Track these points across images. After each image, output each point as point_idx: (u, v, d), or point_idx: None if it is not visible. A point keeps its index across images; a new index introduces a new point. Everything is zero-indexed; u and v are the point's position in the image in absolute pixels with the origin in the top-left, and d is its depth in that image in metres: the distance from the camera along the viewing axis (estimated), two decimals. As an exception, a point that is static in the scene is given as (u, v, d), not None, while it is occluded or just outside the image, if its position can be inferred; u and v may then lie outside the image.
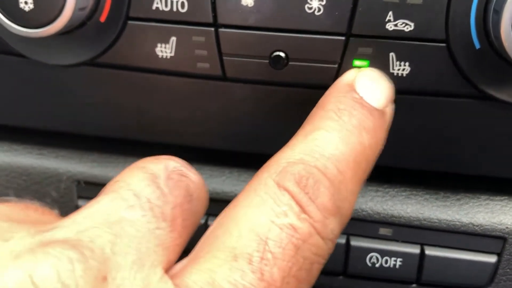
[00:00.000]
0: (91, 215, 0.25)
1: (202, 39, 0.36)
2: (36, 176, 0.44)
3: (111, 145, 0.44)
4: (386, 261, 0.39)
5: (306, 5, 0.33)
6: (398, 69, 0.34)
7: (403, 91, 0.35)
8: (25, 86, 0.41)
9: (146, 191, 0.26)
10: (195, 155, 0.42)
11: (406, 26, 0.33)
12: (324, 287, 0.42)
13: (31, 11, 0.33)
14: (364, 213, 0.39)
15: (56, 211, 0.33)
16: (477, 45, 0.32)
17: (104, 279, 0.23)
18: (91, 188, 0.43)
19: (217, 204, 0.35)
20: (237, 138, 0.40)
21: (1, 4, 0.33)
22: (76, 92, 0.41)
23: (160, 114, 0.40)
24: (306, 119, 0.32)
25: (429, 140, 0.37)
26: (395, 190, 0.41)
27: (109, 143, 0.44)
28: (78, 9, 0.34)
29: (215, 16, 0.35)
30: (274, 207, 0.26)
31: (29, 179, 0.44)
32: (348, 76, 0.33)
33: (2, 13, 0.34)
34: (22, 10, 0.33)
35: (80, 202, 0.44)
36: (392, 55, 0.34)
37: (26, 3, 0.33)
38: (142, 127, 0.41)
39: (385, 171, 0.40)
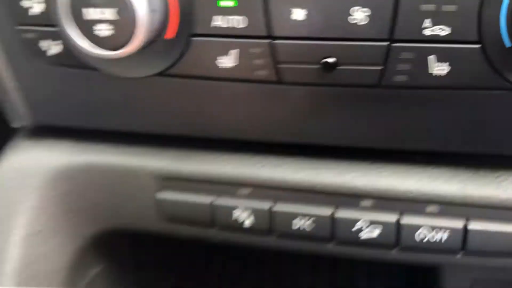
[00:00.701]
0: None
1: (258, 50, 0.40)
2: (117, 174, 0.50)
3: (184, 143, 0.50)
4: (433, 236, 0.44)
5: (349, 17, 0.38)
6: (437, 69, 0.38)
7: (444, 87, 0.39)
8: (102, 95, 0.47)
9: None
10: (257, 147, 0.47)
11: (442, 31, 0.37)
12: (379, 260, 0.47)
13: (108, 36, 0.38)
14: (412, 194, 0.44)
15: None
16: (508, 44, 0.36)
17: None
18: (169, 182, 0.49)
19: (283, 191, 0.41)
20: (292, 131, 0.45)
21: (79, 29, 0.39)
22: (149, 98, 0.46)
23: (223, 114, 0.45)
24: None
25: (470, 126, 0.41)
26: (440, 170, 0.45)
27: (181, 141, 0.50)
28: (149, 31, 0.39)
29: (270, 30, 0.39)
30: None
31: (109, 176, 0.51)
32: None
33: (80, 38, 0.39)
34: (97, 37, 0.38)
35: (158, 195, 0.50)
36: (431, 57, 0.38)
37: (101, 30, 0.37)
38: (207, 125, 0.47)
39: (431, 154, 0.45)
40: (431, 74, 0.38)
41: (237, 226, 0.48)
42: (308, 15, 0.38)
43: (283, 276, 0.60)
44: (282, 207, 0.46)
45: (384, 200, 0.44)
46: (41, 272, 0.51)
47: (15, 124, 0.52)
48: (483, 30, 0.36)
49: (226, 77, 0.42)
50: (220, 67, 0.42)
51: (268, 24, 0.39)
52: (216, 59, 0.42)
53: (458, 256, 0.45)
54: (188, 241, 0.53)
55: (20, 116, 0.51)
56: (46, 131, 0.52)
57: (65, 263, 0.52)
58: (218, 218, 0.48)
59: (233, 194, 0.48)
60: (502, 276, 0.51)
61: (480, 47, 0.37)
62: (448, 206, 0.43)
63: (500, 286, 0.52)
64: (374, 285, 0.66)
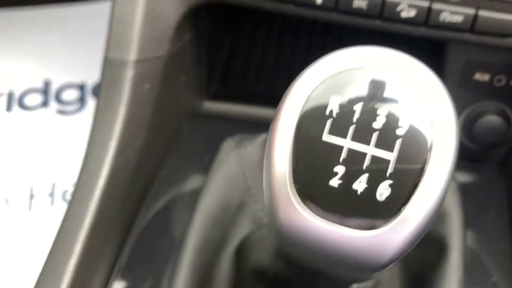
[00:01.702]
0: None
1: None
2: None
3: None
4: (452, 18, 0.63)
5: None
6: None
7: None
8: None
9: None
10: None
11: None
12: (412, 34, 0.66)
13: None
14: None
15: None
16: None
17: None
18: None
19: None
20: None
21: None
22: None
23: None
24: None
25: None
26: None
27: None
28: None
29: None
30: None
31: None
32: None
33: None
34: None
35: None
36: None
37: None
38: None
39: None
40: None
41: (310, 3, 0.65)
42: None
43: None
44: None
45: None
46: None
47: None
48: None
49: None
50: None
51: None
52: None
53: (466, 34, 0.64)
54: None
55: None
56: None
57: (174, 22, 0.70)
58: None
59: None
60: (490, 59, 0.70)
61: None
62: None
63: (479, 67, 0.72)
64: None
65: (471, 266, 0.65)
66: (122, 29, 0.66)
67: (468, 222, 0.66)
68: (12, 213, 1.28)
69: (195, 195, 0.68)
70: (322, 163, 0.29)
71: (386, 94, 0.29)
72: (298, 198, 0.30)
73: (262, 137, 0.67)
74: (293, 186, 0.29)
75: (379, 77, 0.30)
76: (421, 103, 0.29)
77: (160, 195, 0.71)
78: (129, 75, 0.65)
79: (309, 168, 0.30)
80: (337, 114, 0.30)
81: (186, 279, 0.61)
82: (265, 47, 0.93)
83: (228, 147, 0.68)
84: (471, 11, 0.62)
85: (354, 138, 0.29)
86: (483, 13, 0.62)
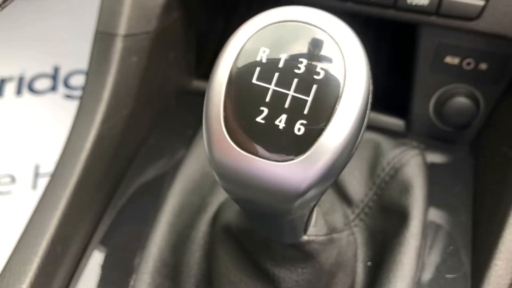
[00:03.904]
0: None
1: None
2: None
3: None
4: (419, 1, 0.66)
5: None
6: None
7: None
8: None
9: None
10: None
11: None
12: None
13: None
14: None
15: None
16: None
17: None
18: None
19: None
20: None
21: None
22: None
23: None
24: None
25: None
26: None
27: None
28: None
29: None
30: None
31: None
32: None
33: None
34: None
35: None
36: None
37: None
38: None
39: None
40: None
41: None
42: None
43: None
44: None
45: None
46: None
47: None
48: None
49: None
50: None
51: None
52: None
53: (433, 17, 0.68)
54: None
55: None
56: None
57: (162, 0, 0.75)
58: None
59: None
60: (459, 43, 0.74)
61: None
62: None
63: (450, 51, 0.75)
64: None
65: (432, 235, 0.69)
66: (112, 4, 0.71)
67: (433, 196, 0.70)
68: (18, 191, 1.34)
69: (178, 165, 0.73)
70: (250, 103, 0.34)
71: (308, 46, 0.34)
72: (228, 133, 0.34)
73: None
74: (224, 121, 0.34)
75: (303, 31, 0.35)
76: (337, 54, 0.34)
77: (145, 164, 0.75)
78: (117, 47, 0.70)
79: (239, 107, 0.34)
80: (265, 61, 0.34)
81: (163, 237, 0.65)
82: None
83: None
84: (437, -6, 0.66)
85: (277, 83, 0.34)
86: (447, -4, 0.66)
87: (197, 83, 0.89)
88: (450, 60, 0.74)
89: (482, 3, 0.65)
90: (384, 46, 0.92)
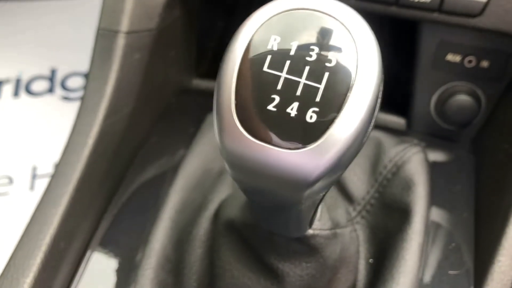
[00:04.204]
0: None
1: None
2: None
3: None
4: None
5: None
6: None
7: None
8: None
9: None
10: None
11: None
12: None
13: None
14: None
15: None
16: None
17: None
18: None
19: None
20: None
21: None
22: None
23: None
24: None
25: None
26: None
27: None
28: None
29: None
30: None
31: None
32: None
33: None
34: None
35: None
36: None
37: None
38: None
39: None
40: None
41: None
42: None
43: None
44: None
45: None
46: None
47: None
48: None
49: None
50: None
51: None
52: None
53: (435, 14, 0.68)
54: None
55: None
56: None
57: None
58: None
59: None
60: (461, 40, 0.75)
61: None
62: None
63: (451, 48, 0.76)
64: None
65: (434, 232, 0.69)
66: (114, 2, 0.71)
67: (435, 194, 0.70)
68: (16, 192, 1.33)
69: (179, 162, 0.73)
70: (262, 91, 0.34)
71: (319, 34, 0.34)
72: (240, 121, 0.34)
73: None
74: (235, 110, 0.34)
75: (315, 18, 0.35)
76: (349, 42, 0.34)
77: (146, 160, 0.75)
78: (119, 44, 0.70)
79: (250, 95, 0.34)
80: (276, 49, 0.34)
81: (166, 233, 0.65)
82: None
83: (212, 118, 0.73)
84: (438, -8, 0.66)
85: (289, 71, 0.34)
86: (450, -7, 0.66)
87: (197, 82, 0.89)
88: (451, 57, 0.75)
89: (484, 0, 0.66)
90: (385, 43, 0.92)
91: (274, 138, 0.34)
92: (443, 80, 0.76)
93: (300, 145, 0.33)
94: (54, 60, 1.72)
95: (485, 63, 0.73)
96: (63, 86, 1.68)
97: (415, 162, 0.69)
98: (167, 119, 0.81)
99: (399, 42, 0.86)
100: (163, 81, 0.81)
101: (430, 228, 0.68)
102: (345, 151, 0.33)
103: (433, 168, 0.73)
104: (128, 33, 0.71)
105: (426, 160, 0.71)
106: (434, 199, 0.70)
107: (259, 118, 0.34)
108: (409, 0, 0.67)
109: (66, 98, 1.64)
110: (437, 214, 0.70)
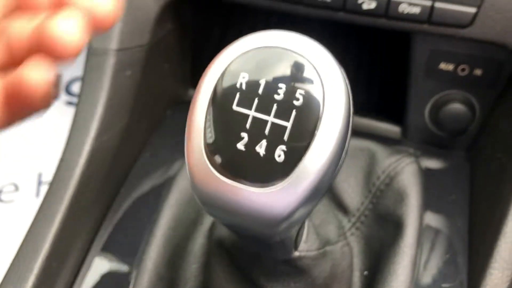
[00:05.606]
0: None
1: None
2: None
3: None
4: (411, 9, 0.66)
5: None
6: None
7: None
8: None
9: None
10: None
11: None
12: (374, 25, 0.69)
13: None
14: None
15: None
16: None
17: None
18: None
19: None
20: None
21: None
22: None
23: None
24: None
25: None
26: None
27: None
28: None
29: None
30: None
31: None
32: None
33: None
34: None
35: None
36: None
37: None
38: None
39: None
40: None
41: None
42: None
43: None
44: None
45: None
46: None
47: None
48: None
49: None
50: None
51: None
52: None
53: (425, 25, 0.68)
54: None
55: None
56: None
57: (155, 13, 0.75)
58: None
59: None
60: (453, 49, 0.74)
61: None
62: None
63: (444, 57, 0.75)
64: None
65: (428, 243, 0.68)
66: (104, 19, 0.71)
67: (429, 204, 0.70)
68: (21, 200, 1.35)
69: (174, 176, 0.73)
70: (231, 129, 0.34)
71: (286, 72, 0.34)
72: (209, 161, 0.34)
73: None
74: (205, 149, 0.34)
75: (282, 56, 0.35)
76: (315, 79, 0.34)
77: (140, 177, 0.76)
78: (110, 62, 0.71)
79: (220, 133, 0.34)
80: (245, 87, 0.34)
81: (159, 252, 0.66)
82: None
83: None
84: (427, 2, 0.66)
85: (257, 109, 0.34)
86: (439, 4, 0.66)
87: (193, 93, 0.89)
88: (444, 66, 0.74)
89: (474, 10, 0.65)
90: (378, 53, 0.92)
91: (244, 177, 0.34)
92: (437, 88, 0.76)
93: (269, 184, 0.33)
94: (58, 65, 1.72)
95: (478, 71, 0.73)
96: (68, 91, 1.69)
97: (408, 173, 0.69)
98: (162, 132, 0.81)
99: (392, 51, 0.86)
100: (158, 94, 0.81)
101: (424, 239, 0.68)
102: (316, 185, 0.33)
103: (428, 177, 0.72)
104: (119, 50, 0.71)
105: (420, 170, 0.71)
106: (429, 208, 0.70)
107: (229, 157, 0.34)
108: (398, 12, 0.66)
109: (70, 103, 1.65)
110: (431, 224, 0.70)
